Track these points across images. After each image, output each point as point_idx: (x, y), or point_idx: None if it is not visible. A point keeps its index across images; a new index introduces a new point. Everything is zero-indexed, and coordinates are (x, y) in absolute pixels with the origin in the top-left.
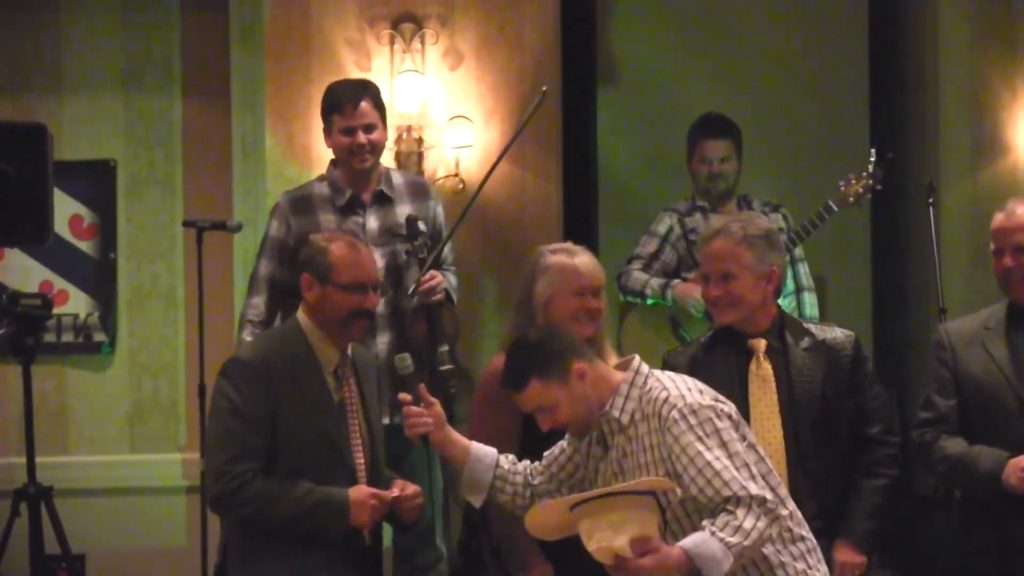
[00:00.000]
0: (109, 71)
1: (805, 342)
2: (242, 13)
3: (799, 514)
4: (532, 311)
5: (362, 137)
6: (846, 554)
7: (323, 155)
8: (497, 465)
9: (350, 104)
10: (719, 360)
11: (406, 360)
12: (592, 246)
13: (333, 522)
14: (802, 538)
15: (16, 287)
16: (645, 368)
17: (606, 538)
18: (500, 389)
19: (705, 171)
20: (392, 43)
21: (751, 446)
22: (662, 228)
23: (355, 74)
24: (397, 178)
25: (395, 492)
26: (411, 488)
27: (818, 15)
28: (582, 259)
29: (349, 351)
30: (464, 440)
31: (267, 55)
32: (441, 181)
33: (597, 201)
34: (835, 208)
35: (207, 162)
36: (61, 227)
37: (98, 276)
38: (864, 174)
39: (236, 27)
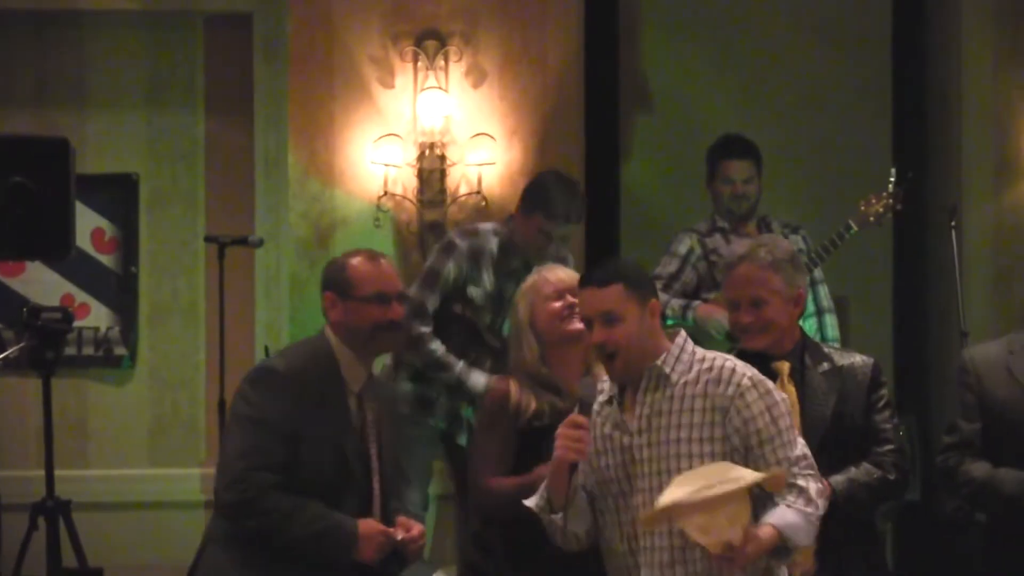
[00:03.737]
0: (132, 86)
1: (824, 366)
2: (265, 30)
3: None
4: (519, 337)
5: (558, 250)
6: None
7: (345, 171)
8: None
9: (563, 218)
10: None
11: (590, 384)
12: None
13: (338, 552)
14: None
15: (38, 300)
16: (691, 341)
17: (725, 531)
18: (499, 412)
19: (728, 191)
20: (415, 60)
21: None
22: (682, 248)
23: (377, 91)
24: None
25: (401, 534)
26: (416, 529)
27: (842, 36)
28: (554, 271)
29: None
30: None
31: (290, 71)
32: (463, 198)
33: (619, 220)
34: (855, 227)
35: (229, 177)
36: (83, 240)
37: (119, 290)
38: (884, 194)
39: (259, 43)
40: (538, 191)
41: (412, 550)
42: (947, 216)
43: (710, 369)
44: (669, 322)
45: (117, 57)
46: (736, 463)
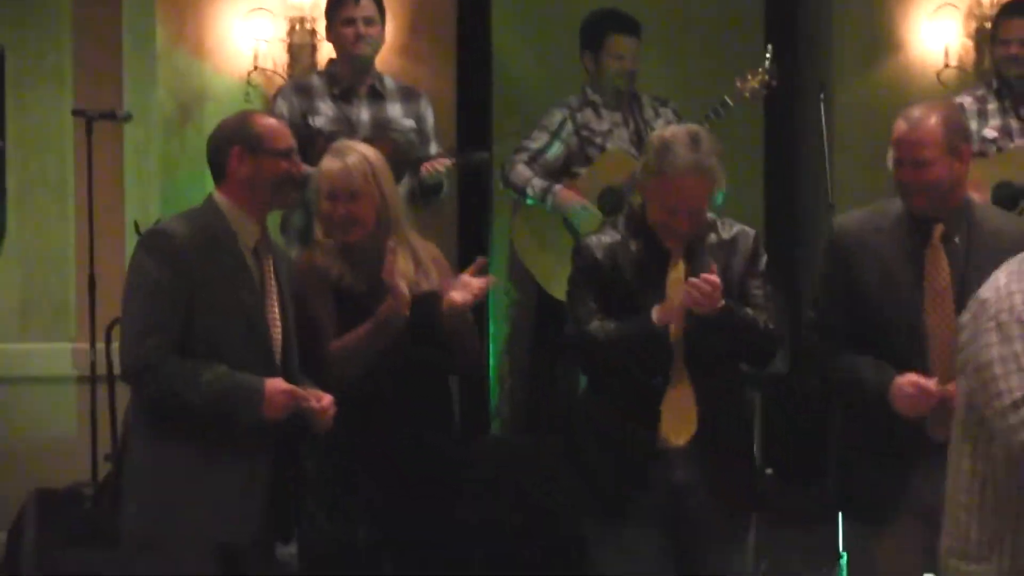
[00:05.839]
0: None
1: (711, 239)
2: None
3: None
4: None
5: (362, 28)
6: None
7: (213, 46)
8: None
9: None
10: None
11: None
12: (487, 143)
13: (243, 411)
14: None
15: None
16: None
17: None
18: (311, 281)
19: (617, 67)
20: None
21: None
22: (553, 123)
23: None
24: (389, 82)
25: (312, 403)
26: (326, 399)
27: None
28: (333, 163)
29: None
30: None
31: None
32: None
33: (492, 97)
34: (730, 104)
35: (97, 51)
36: None
37: None
38: (760, 70)
39: None
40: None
41: (321, 421)
42: (816, 90)
43: None
44: (529, 201)
45: None
46: None
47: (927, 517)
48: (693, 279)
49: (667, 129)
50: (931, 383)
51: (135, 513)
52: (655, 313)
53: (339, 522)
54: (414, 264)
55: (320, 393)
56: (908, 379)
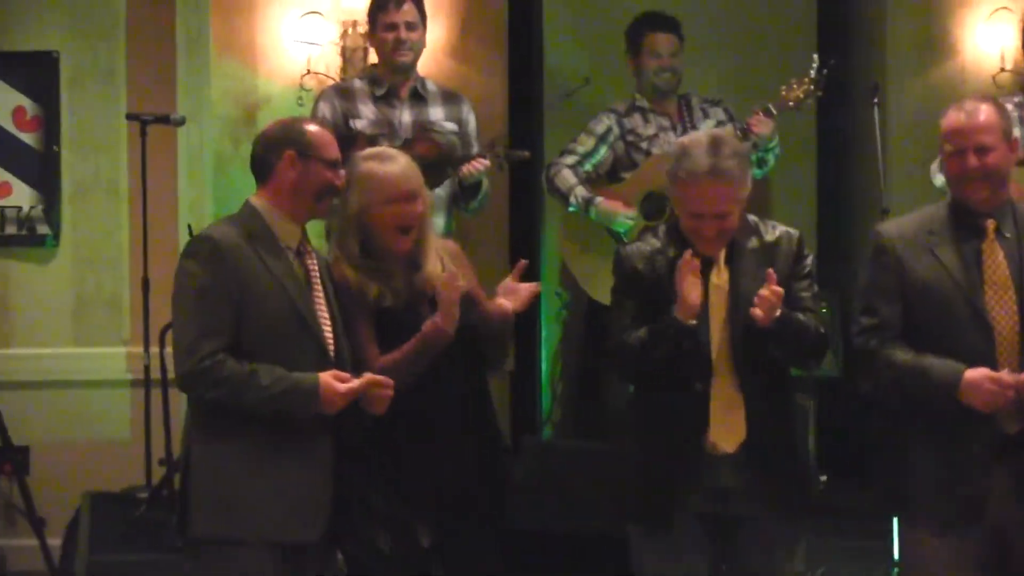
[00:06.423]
0: None
1: (752, 242)
2: None
3: None
4: (346, 228)
5: (403, 33)
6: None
7: (266, 49)
8: None
9: (394, 2)
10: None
11: None
12: (537, 146)
13: (301, 408)
14: None
15: None
16: None
17: None
18: (350, 300)
19: (655, 65)
20: None
21: None
22: (600, 128)
23: None
24: (431, 85)
25: (367, 378)
26: (384, 378)
27: None
28: (389, 167)
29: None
30: None
31: None
32: None
33: (542, 100)
34: (774, 112)
35: (151, 55)
36: (4, 119)
37: (42, 168)
38: (806, 80)
39: None
40: (370, 4)
41: (376, 398)
42: (869, 95)
43: None
44: (571, 209)
45: None
46: None
47: (993, 527)
48: (763, 292)
49: (690, 135)
50: (1006, 375)
51: (199, 517)
52: (676, 309)
53: (388, 528)
54: (443, 268)
55: (375, 376)
56: (981, 373)
